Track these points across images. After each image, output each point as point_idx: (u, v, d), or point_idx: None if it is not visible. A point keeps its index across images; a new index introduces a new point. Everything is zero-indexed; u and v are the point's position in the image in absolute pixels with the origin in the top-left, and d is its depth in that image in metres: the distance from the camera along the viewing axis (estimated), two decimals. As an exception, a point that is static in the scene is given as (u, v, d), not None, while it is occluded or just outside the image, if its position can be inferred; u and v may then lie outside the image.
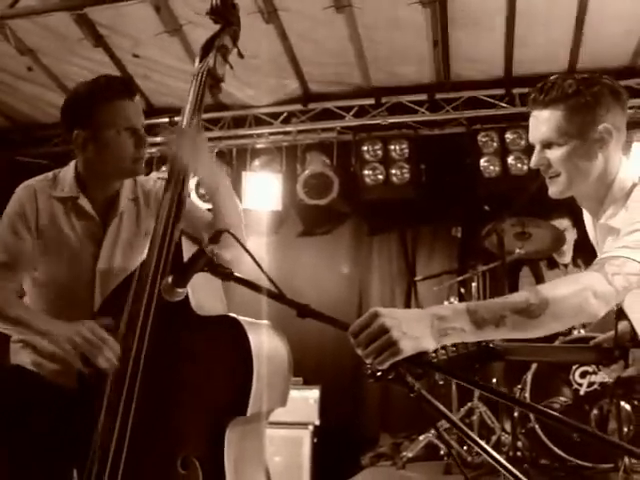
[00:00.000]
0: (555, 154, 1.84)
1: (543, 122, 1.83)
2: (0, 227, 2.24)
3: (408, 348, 1.42)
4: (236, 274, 1.54)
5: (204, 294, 2.01)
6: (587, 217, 2.09)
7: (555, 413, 1.38)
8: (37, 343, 2.23)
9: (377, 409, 5.65)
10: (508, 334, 1.57)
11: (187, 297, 1.95)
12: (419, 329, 1.45)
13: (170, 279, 1.56)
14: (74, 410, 2.05)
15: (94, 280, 2.27)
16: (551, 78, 1.87)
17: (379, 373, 1.42)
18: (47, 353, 2.21)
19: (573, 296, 1.57)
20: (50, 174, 2.34)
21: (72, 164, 2.33)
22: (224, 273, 1.55)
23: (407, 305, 5.75)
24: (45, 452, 2.07)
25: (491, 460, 1.34)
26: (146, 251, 2.37)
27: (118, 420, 1.90)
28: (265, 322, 2.02)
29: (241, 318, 1.93)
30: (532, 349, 2.07)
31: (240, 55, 2.52)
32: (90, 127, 2.20)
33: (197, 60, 2.39)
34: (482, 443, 1.37)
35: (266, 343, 1.95)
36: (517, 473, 1.28)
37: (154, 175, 5.26)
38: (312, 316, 1.45)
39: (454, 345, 1.73)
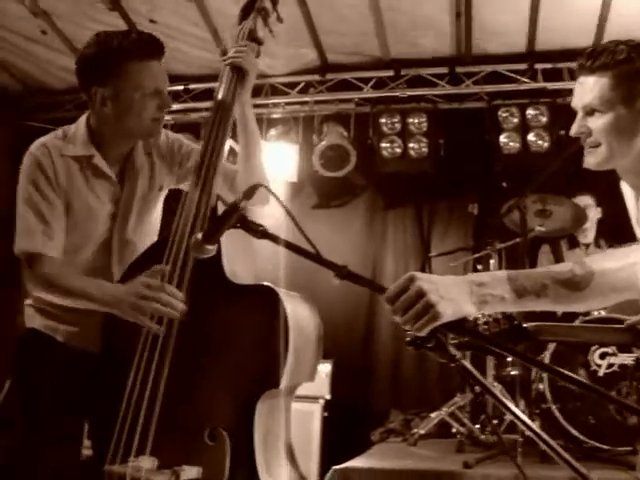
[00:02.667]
0: (597, 122, 1.74)
1: (588, 89, 1.72)
2: (27, 194, 2.11)
3: (447, 312, 1.35)
4: (270, 231, 1.47)
5: (239, 263, 1.95)
6: (629, 194, 2.00)
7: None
8: (51, 309, 2.18)
9: (388, 385, 5.60)
10: (549, 306, 1.49)
11: (222, 264, 1.91)
12: (458, 294, 1.39)
13: (200, 235, 1.49)
14: (94, 373, 2.02)
15: (111, 241, 2.22)
16: (603, 43, 1.76)
17: (418, 341, 1.35)
18: (67, 318, 2.16)
19: (621, 270, 1.50)
20: (59, 131, 2.23)
21: (82, 120, 2.21)
22: (257, 230, 1.48)
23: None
24: (62, 414, 2.05)
25: (529, 431, 1.25)
26: (160, 206, 2.37)
27: (149, 385, 1.85)
28: (297, 294, 1.96)
29: (277, 288, 1.87)
30: (565, 329, 2.01)
31: (279, 20, 2.44)
32: (114, 85, 2.08)
33: (235, 24, 2.34)
34: (523, 416, 1.29)
35: (301, 315, 1.90)
36: (555, 446, 1.20)
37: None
38: (350, 278, 1.39)
39: (486, 323, 1.67)
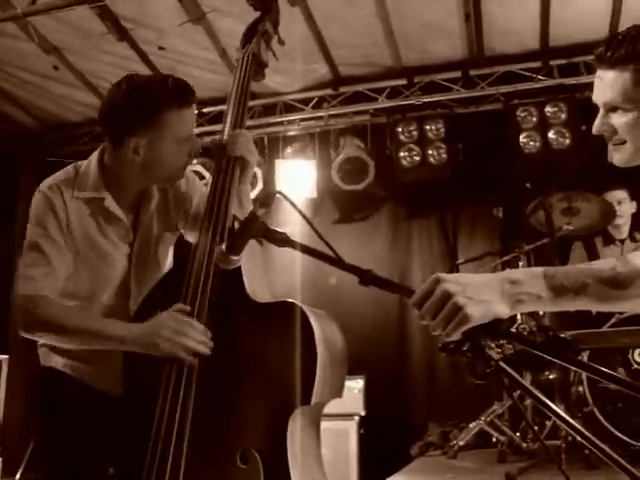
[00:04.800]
0: (620, 120, 1.58)
1: (608, 84, 1.56)
2: (34, 237, 2.05)
3: (477, 314, 1.26)
4: (292, 239, 1.42)
5: (258, 281, 1.91)
6: None
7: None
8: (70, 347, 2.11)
9: (424, 397, 5.50)
10: (588, 305, 1.38)
11: (243, 284, 1.87)
12: (488, 293, 1.29)
13: (224, 246, 1.45)
14: (115, 410, 1.96)
15: (129, 284, 2.15)
16: (622, 31, 1.60)
17: (451, 346, 1.28)
18: (83, 355, 2.10)
19: None
20: (70, 169, 2.14)
21: (94, 158, 2.12)
22: (279, 238, 1.43)
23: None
24: (82, 452, 1.99)
25: (576, 433, 1.17)
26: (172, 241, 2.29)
27: (177, 415, 1.79)
28: (319, 310, 1.90)
29: (300, 304, 1.83)
30: (602, 336, 1.88)
31: (281, 42, 2.40)
32: (150, 135, 1.99)
33: (239, 48, 2.29)
34: (569, 419, 1.21)
35: (325, 330, 1.84)
36: (604, 447, 1.11)
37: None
38: (375, 283, 1.32)
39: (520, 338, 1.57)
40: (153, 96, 1.97)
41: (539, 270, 1.35)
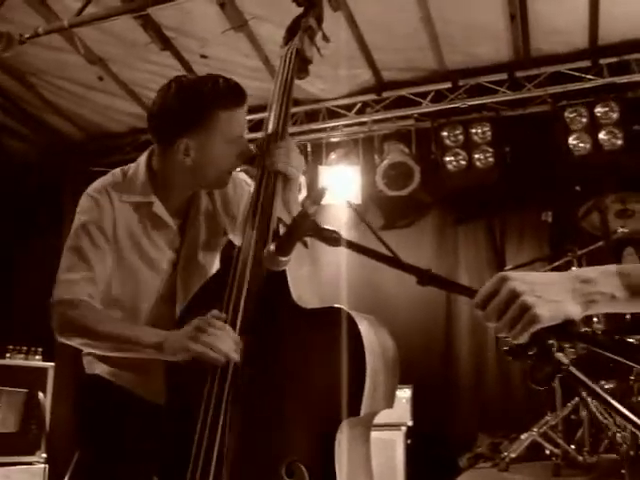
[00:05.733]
0: None
1: None
2: (77, 236, 2.01)
3: (547, 314, 1.17)
4: (345, 237, 1.35)
5: (304, 287, 1.84)
6: None
7: None
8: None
9: (472, 407, 5.36)
10: None
11: (288, 289, 1.80)
12: (558, 292, 1.20)
13: (272, 246, 1.39)
14: (157, 419, 1.91)
15: (175, 289, 2.10)
16: None
17: (518, 349, 1.18)
18: (128, 364, 2.06)
19: None
20: (118, 172, 2.11)
21: (142, 162, 2.09)
22: (331, 237, 1.36)
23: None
24: (125, 461, 1.97)
25: None
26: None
27: (220, 425, 1.73)
28: (369, 316, 1.82)
29: (348, 310, 1.75)
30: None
31: (325, 39, 2.34)
32: (202, 135, 1.96)
33: (282, 45, 2.22)
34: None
35: (375, 336, 1.76)
36: None
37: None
38: (434, 283, 1.25)
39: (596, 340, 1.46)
40: (203, 96, 1.94)
41: (612, 268, 1.25)
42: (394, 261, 1.30)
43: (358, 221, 5.47)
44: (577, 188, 4.90)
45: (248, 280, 1.83)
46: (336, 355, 1.74)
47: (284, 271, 1.79)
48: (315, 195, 1.39)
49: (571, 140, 5.09)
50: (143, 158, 2.11)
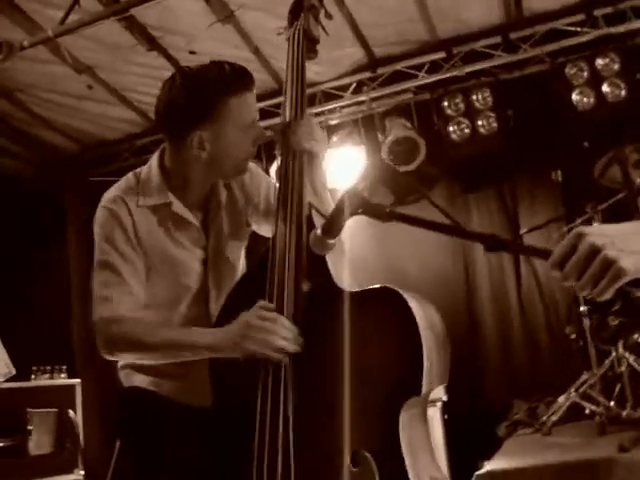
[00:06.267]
0: None
1: None
2: (103, 254, 1.95)
3: (632, 267, 1.11)
4: (398, 211, 1.28)
5: (342, 267, 1.78)
6: None
7: None
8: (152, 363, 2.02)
9: (502, 376, 5.32)
10: None
11: (329, 273, 1.74)
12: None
13: (319, 230, 1.32)
14: (206, 423, 1.86)
15: (207, 288, 2.04)
16: None
17: (601, 305, 1.13)
18: (167, 371, 2.01)
19: None
20: (131, 177, 2.04)
21: (154, 163, 2.03)
22: (384, 212, 1.29)
23: (516, 263, 5.40)
24: (166, 470, 1.93)
25: None
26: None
27: (280, 418, 1.68)
28: (415, 293, 1.77)
29: (397, 288, 1.69)
30: None
31: (328, 16, 2.26)
32: (215, 126, 1.90)
33: (286, 27, 2.14)
34: None
35: (426, 314, 1.70)
36: None
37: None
38: (503, 248, 1.19)
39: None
40: (211, 84, 1.87)
41: None
42: (457, 230, 1.24)
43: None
44: (585, 144, 4.85)
45: (291, 268, 1.77)
46: (390, 335, 1.70)
47: (322, 254, 1.72)
48: (366, 173, 1.33)
49: (574, 96, 5.01)
50: (155, 158, 2.04)
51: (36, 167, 6.45)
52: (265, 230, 2.13)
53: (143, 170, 2.05)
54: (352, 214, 1.33)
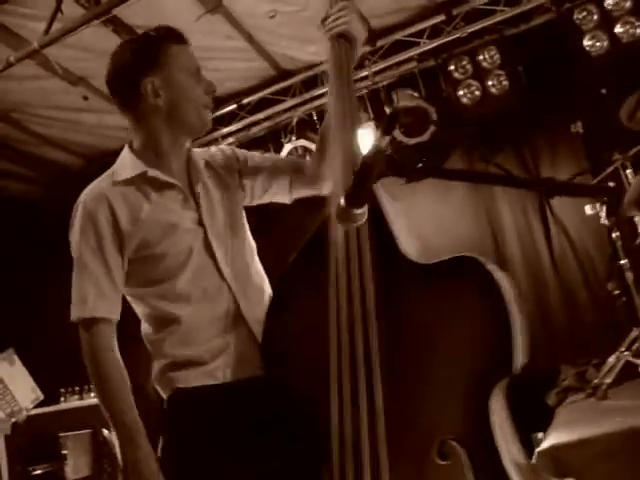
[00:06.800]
0: None
1: None
2: (79, 252, 1.88)
3: None
4: (433, 167, 1.09)
5: (406, 236, 1.60)
6: None
7: None
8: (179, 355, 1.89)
9: (545, 340, 5.08)
10: None
11: (397, 246, 1.57)
12: None
13: (342, 199, 1.14)
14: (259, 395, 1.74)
15: (209, 244, 1.92)
16: None
17: None
18: (204, 356, 1.87)
19: None
20: (107, 171, 1.99)
21: (125, 149, 2.00)
22: (415, 170, 1.11)
23: (545, 223, 5.18)
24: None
25: None
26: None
27: (364, 410, 1.50)
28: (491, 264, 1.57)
29: (479, 257, 1.52)
30: None
31: None
32: (162, 72, 1.91)
33: None
34: None
35: (507, 284, 1.51)
36: None
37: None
38: (564, 192, 1.01)
39: None
40: (150, 38, 1.95)
41: None
42: (509, 179, 1.05)
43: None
44: (603, 91, 4.63)
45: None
46: (474, 312, 1.52)
47: (387, 224, 1.60)
48: (388, 121, 1.14)
49: (586, 42, 4.76)
50: (125, 147, 2.01)
51: (44, 187, 6.35)
52: (269, 195, 2.11)
53: (117, 160, 2.01)
54: (378, 177, 1.15)
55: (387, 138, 1.10)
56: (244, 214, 2.09)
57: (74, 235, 1.92)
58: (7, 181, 6.07)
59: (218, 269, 1.90)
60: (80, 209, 1.90)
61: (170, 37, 1.94)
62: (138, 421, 1.78)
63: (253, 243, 2.08)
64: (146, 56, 1.92)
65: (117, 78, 1.98)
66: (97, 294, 1.84)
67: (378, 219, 1.61)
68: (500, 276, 1.49)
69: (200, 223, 1.93)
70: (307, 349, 1.63)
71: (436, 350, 1.52)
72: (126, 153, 1.99)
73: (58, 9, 4.27)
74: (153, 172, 1.92)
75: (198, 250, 1.91)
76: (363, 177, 1.14)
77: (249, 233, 2.09)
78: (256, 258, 2.06)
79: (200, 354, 1.87)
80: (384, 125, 1.13)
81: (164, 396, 1.93)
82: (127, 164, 1.95)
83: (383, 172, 1.13)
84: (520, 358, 1.46)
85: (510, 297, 1.48)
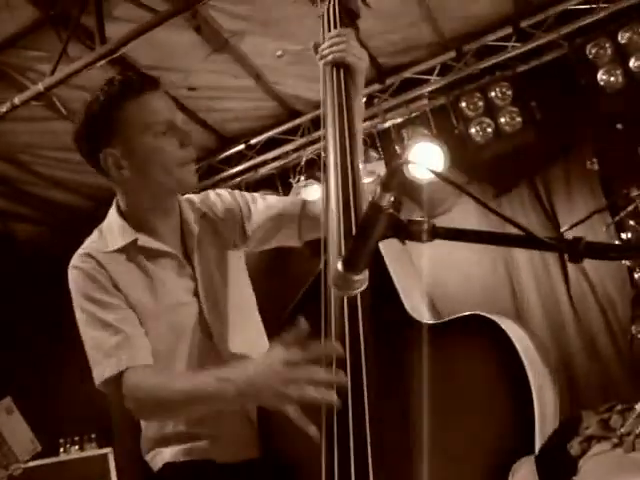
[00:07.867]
0: None
1: None
2: (85, 312, 1.74)
3: None
4: (443, 226, 0.96)
5: (413, 292, 1.45)
6: None
7: None
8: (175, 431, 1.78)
9: (565, 386, 4.89)
10: None
11: (400, 302, 1.42)
12: None
13: (339, 264, 1.00)
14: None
15: (205, 320, 1.79)
16: None
17: None
18: (197, 431, 1.76)
19: None
20: (95, 232, 1.86)
21: (112, 210, 1.86)
22: (422, 230, 0.97)
23: (563, 264, 5.00)
24: None
25: None
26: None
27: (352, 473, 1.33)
28: (507, 319, 1.38)
29: (490, 315, 1.33)
30: None
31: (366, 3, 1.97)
32: (121, 139, 1.71)
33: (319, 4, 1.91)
34: None
35: (526, 343, 1.31)
36: None
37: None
38: (592, 254, 0.87)
39: None
40: (100, 101, 1.71)
41: None
42: (530, 239, 0.91)
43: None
44: (618, 126, 4.52)
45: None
46: (490, 377, 1.33)
47: (391, 278, 1.46)
48: (389, 176, 1.01)
49: (600, 76, 4.65)
50: (112, 207, 1.87)
51: (52, 229, 6.29)
52: (277, 241, 1.95)
53: (104, 222, 1.88)
54: (380, 238, 1.02)
55: (388, 195, 0.97)
56: (243, 264, 1.98)
57: (76, 296, 1.77)
58: (13, 223, 6.02)
59: (213, 345, 1.78)
60: (76, 272, 1.77)
61: (127, 92, 1.71)
62: (211, 376, 1.56)
63: (253, 297, 1.97)
64: (101, 126, 1.72)
65: (78, 148, 1.81)
66: (120, 344, 1.68)
67: (381, 278, 1.45)
68: (514, 335, 1.30)
69: (196, 294, 1.80)
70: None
71: (445, 423, 1.33)
72: (114, 214, 1.85)
73: (64, 50, 4.25)
74: (143, 239, 1.78)
75: (194, 326, 1.78)
76: (361, 238, 1.01)
77: (248, 282, 1.98)
78: (256, 313, 1.95)
79: (196, 432, 1.76)
80: (384, 181, 1.00)
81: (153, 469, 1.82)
82: (115, 230, 1.81)
83: (384, 233, 0.99)
84: (542, 430, 1.26)
85: (529, 360, 1.28)
